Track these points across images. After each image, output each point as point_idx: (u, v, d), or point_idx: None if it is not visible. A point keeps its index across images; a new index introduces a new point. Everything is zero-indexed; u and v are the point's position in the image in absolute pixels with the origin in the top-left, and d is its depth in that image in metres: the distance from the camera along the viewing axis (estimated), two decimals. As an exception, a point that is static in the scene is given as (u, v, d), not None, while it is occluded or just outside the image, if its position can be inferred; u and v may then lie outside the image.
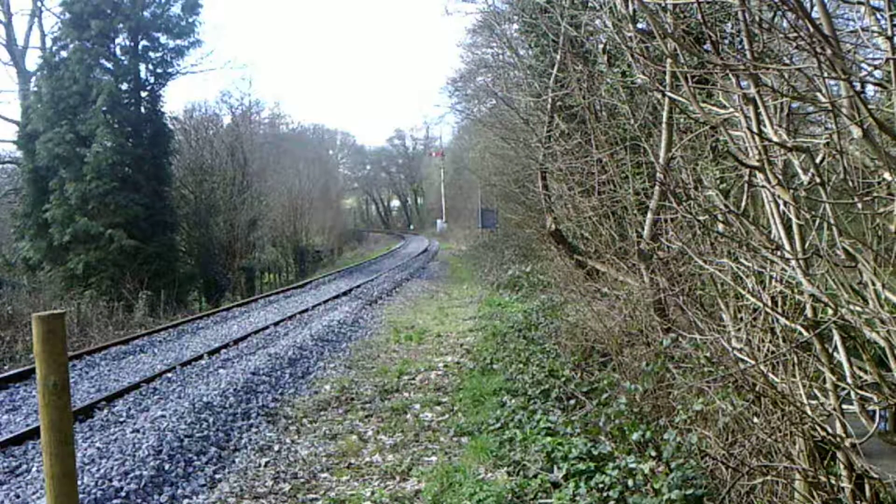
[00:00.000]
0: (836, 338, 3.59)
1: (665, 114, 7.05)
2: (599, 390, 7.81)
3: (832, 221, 3.28)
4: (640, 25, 7.15)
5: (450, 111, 62.35)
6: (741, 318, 4.86)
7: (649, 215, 7.61)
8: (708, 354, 5.38)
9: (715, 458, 5.01)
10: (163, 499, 6.53)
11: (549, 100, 12.85)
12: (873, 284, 3.15)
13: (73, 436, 3.54)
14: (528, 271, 20.81)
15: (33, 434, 8.36)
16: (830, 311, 3.38)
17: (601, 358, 8.97)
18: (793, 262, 3.55)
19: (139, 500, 6.44)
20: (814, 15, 3.04)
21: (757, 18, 3.76)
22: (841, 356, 3.58)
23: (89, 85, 27.46)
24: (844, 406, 3.68)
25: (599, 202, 9.65)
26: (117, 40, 29.56)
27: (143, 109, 29.97)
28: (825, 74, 2.96)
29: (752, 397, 4.62)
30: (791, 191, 3.52)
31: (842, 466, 3.84)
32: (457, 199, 62.14)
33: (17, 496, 6.68)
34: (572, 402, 8.05)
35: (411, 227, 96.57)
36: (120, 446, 7.59)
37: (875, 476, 3.47)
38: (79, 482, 5.76)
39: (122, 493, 6.45)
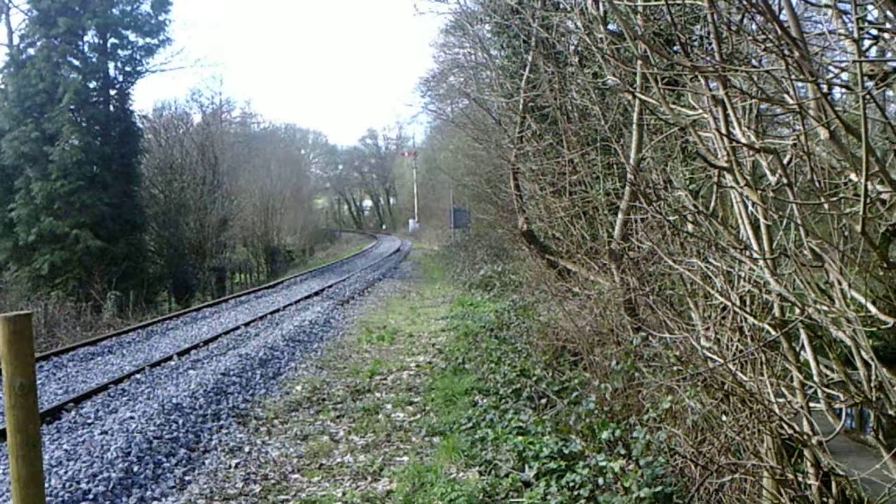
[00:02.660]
0: (803, 337, 3.63)
1: (635, 115, 7.11)
2: (570, 389, 7.85)
3: (799, 222, 3.31)
4: (610, 27, 7.19)
5: (422, 111, 62.37)
6: (710, 318, 4.90)
7: (620, 215, 7.66)
8: (677, 353, 5.43)
9: (684, 456, 5.05)
10: (131, 501, 6.46)
11: (521, 100, 12.90)
12: (840, 284, 3.19)
13: (39, 438, 3.50)
14: (500, 271, 20.89)
15: (-1, 436, 8.25)
16: (798, 311, 3.42)
17: (572, 357, 9.02)
18: (761, 262, 3.59)
19: (107, 503, 6.37)
20: (782, 18, 3.08)
21: (726, 21, 3.80)
22: (808, 355, 3.62)
23: (56, 83, 27.18)
24: (811, 404, 3.72)
25: (571, 202, 9.71)
26: (86, 38, 29.34)
27: (111, 108, 29.72)
28: (793, 76, 2.99)
29: (721, 395, 4.66)
30: (759, 191, 3.56)
31: (809, 464, 3.88)
32: (429, 198, 62.22)
33: (-17, 499, 6.59)
34: (543, 401, 8.09)
35: (383, 226, 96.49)
36: (88, 448, 7.50)
37: (841, 473, 3.51)
38: (46, 485, 5.69)
39: (90, 496, 6.38)
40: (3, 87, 28.67)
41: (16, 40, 30.50)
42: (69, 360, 13.39)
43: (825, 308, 3.25)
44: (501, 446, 6.72)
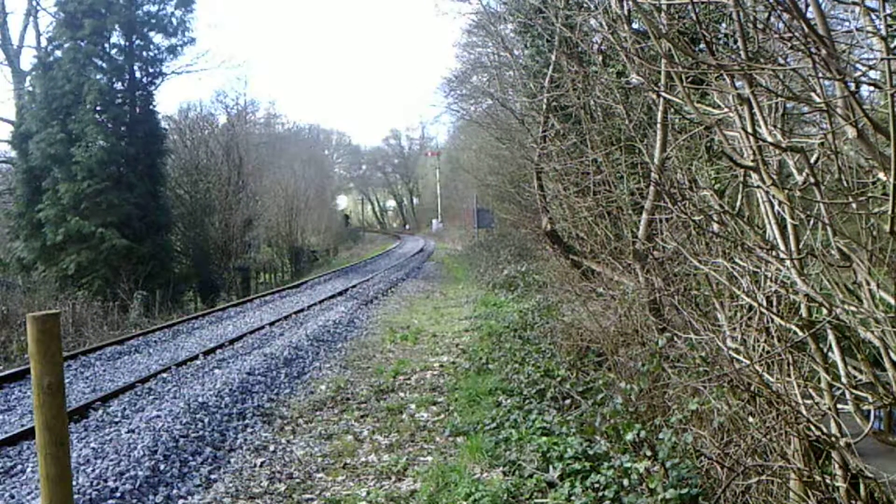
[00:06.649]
0: (831, 337, 3.59)
1: (660, 114, 7.06)
2: (595, 390, 7.81)
3: (827, 221, 3.28)
4: (634, 26, 7.16)
5: (445, 111, 62.39)
6: (736, 318, 4.87)
7: (644, 215, 7.61)
8: (703, 354, 5.39)
9: (710, 458, 5.01)
10: (158, 499, 6.52)
11: (545, 100, 12.87)
12: (868, 284, 3.15)
13: (67, 436, 3.54)
14: (524, 271, 20.82)
15: (28, 434, 8.34)
16: (825, 311, 3.39)
17: (596, 358, 8.98)
18: (787, 262, 3.56)
19: (134, 501, 6.43)
20: (808, 15, 3.05)
21: (752, 19, 3.77)
22: (836, 356, 3.59)
23: (82, 84, 27.43)
24: (839, 406, 3.69)
25: (595, 202, 9.66)
26: (111, 39, 29.57)
27: (136, 109, 29.95)
28: (820, 75, 2.97)
29: (747, 397, 4.63)
30: (786, 191, 3.53)
31: (837, 466, 3.85)
32: (453, 199, 62.25)
33: (12, 496, 6.67)
34: (568, 401, 8.06)
35: (407, 227, 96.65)
36: (115, 446, 7.57)
37: (870, 476, 3.48)
38: (74, 482, 5.75)
39: (118, 494, 6.44)
40: (31, 89, 29.01)
41: (43, 42, 30.93)
42: (96, 359, 13.53)
43: (853, 308, 3.22)
44: (525, 447, 6.70)
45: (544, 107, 13.16)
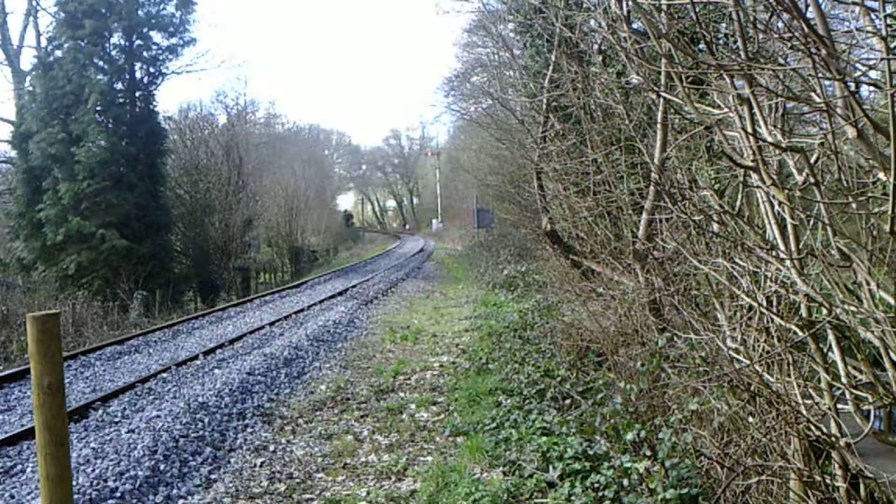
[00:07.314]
0: (831, 337, 3.59)
1: (660, 114, 7.06)
2: (595, 390, 7.81)
3: (827, 221, 3.28)
4: (634, 26, 7.15)
5: (445, 111, 62.40)
6: (736, 318, 4.87)
7: (644, 215, 7.61)
8: (703, 354, 5.39)
9: (710, 458, 5.01)
10: (158, 499, 6.51)
11: (545, 100, 12.88)
12: (868, 284, 3.15)
13: (67, 436, 3.54)
14: (524, 271, 20.82)
15: (28, 434, 8.34)
16: (825, 311, 3.39)
17: (596, 358, 8.98)
18: (787, 262, 3.56)
19: (134, 501, 6.43)
20: (808, 15, 3.05)
21: (752, 19, 3.76)
22: (836, 356, 3.59)
23: (83, 84, 27.42)
24: (839, 406, 3.69)
25: (595, 202, 9.66)
26: (112, 39, 29.58)
27: (137, 109, 29.94)
28: (820, 75, 2.96)
29: (747, 397, 4.63)
30: (786, 191, 3.53)
31: (837, 466, 3.85)
32: (453, 199, 62.26)
33: (12, 496, 6.67)
34: (568, 401, 8.06)
35: (407, 227, 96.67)
36: (115, 446, 7.57)
37: (870, 475, 3.48)
38: (74, 482, 5.75)
39: (118, 494, 6.44)
40: (31, 89, 28.99)
41: (43, 42, 30.92)
42: (96, 359, 13.53)
43: (853, 308, 3.22)
44: (525, 447, 6.70)
45: (544, 107, 13.17)
